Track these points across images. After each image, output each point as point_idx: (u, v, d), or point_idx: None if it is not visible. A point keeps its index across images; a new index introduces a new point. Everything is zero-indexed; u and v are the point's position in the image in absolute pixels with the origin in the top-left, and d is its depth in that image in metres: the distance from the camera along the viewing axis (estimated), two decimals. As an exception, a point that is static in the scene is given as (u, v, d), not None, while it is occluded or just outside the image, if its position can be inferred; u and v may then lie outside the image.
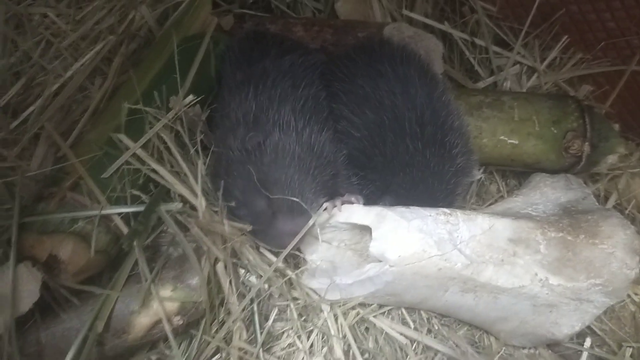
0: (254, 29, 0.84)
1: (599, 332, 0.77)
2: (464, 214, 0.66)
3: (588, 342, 0.75)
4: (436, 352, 0.70)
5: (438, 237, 0.63)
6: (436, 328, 0.72)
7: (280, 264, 0.64)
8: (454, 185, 0.68)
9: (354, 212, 0.64)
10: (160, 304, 0.59)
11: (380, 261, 0.62)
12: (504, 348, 0.73)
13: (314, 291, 0.65)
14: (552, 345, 0.75)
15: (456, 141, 0.67)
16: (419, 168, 0.65)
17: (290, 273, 0.64)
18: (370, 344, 0.67)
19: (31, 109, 0.66)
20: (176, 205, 0.60)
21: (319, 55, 0.76)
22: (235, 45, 0.75)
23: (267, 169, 0.62)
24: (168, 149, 0.64)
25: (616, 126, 0.82)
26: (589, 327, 0.76)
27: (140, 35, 0.74)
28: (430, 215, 0.64)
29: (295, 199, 0.59)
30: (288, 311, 0.67)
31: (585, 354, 0.74)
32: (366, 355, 0.66)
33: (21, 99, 0.67)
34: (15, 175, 0.61)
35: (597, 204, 0.77)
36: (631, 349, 0.76)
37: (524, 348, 0.75)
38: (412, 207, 0.64)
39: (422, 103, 0.66)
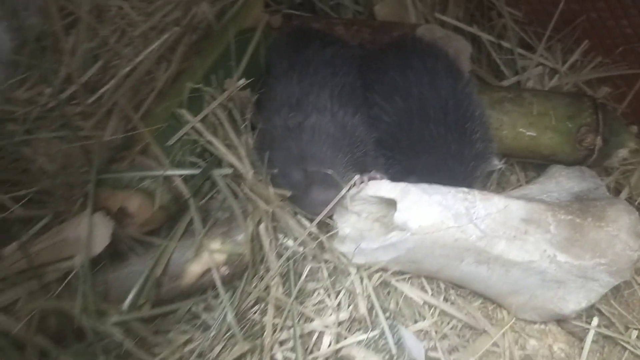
0: (300, 24, 0.93)
1: (607, 314, 0.83)
2: (481, 194, 0.73)
3: (595, 321, 0.81)
4: (452, 317, 0.78)
5: (456, 211, 0.70)
6: (452, 298, 0.79)
7: (314, 229, 0.73)
8: (473, 168, 0.75)
9: (382, 186, 0.72)
10: (210, 255, 0.69)
11: (403, 230, 0.70)
12: (514, 319, 0.80)
13: (343, 255, 0.74)
14: (561, 321, 0.82)
15: (476, 128, 0.75)
16: (441, 151, 0.73)
17: (322, 237, 0.73)
18: (391, 305, 0.75)
19: (106, 87, 0.77)
20: (227, 171, 0.69)
21: (357, 49, 0.85)
22: (284, 37, 0.85)
23: (305, 145, 0.71)
24: (222, 124, 0.74)
25: (634, 128, 0.89)
26: (597, 309, 0.83)
27: (201, 28, 0.85)
28: (449, 192, 0.72)
29: (328, 171, 0.68)
30: (319, 272, 0.76)
31: (592, 332, 0.80)
32: (387, 314, 0.73)
33: (98, 79, 0.78)
34: (90, 146, 0.72)
35: (607, 193, 0.83)
36: (637, 331, 0.82)
37: (534, 323, 0.82)
38: (433, 185, 0.72)
39: (447, 93, 0.74)
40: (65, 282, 0.65)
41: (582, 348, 0.80)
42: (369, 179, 0.73)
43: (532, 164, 0.94)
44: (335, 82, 0.76)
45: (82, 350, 0.68)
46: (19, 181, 0.68)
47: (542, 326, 0.82)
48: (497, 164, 0.84)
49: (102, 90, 0.77)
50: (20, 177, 0.68)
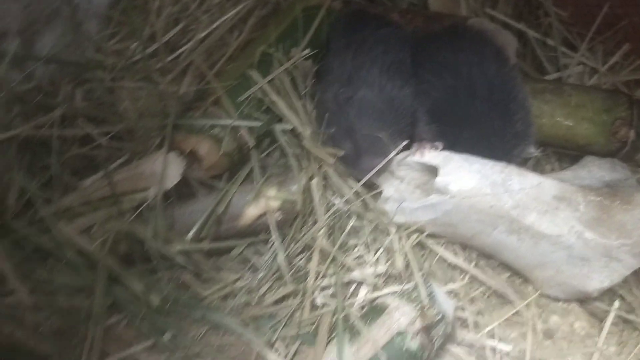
0: (359, 8, 1.01)
1: (628, 300, 0.87)
2: (517, 169, 0.79)
3: (617, 304, 0.85)
4: (481, 284, 0.83)
5: (493, 181, 0.77)
6: (482, 266, 0.85)
7: (360, 189, 0.81)
8: (512, 146, 0.81)
9: (427, 153, 0.79)
10: (266, 201, 0.76)
11: (443, 193, 0.77)
12: (538, 293, 0.85)
13: (385, 214, 0.81)
14: (583, 302, 0.86)
15: (518, 109, 0.81)
16: (483, 127, 0.80)
17: (366, 196, 0.80)
18: (425, 265, 0.81)
19: (184, 47, 0.86)
20: (287, 126, 0.77)
21: (410, 32, 0.92)
22: (343, 17, 0.93)
23: (353, 117, 0.78)
24: (285, 88, 0.82)
25: None
26: (619, 295, 0.87)
27: (271, 3, 0.94)
28: (488, 163, 0.78)
29: (379, 135, 0.75)
30: (361, 229, 0.82)
31: (612, 314, 0.85)
32: (421, 272, 0.80)
33: (178, 39, 0.87)
34: (165, 99, 0.81)
35: (637, 185, 0.88)
36: (658, 318, 0.86)
37: (558, 301, 0.87)
38: (474, 156, 0.79)
39: (493, 74, 0.81)
40: (139, 210, 0.74)
41: (602, 329, 0.85)
42: (418, 147, 0.79)
43: (567, 155, 0.99)
44: (386, 58, 0.83)
45: (147, 272, 0.77)
46: (105, 120, 0.77)
47: (565, 305, 0.87)
48: (534, 151, 0.90)
49: (180, 50, 0.86)
50: (106, 117, 0.77)
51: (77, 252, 0.75)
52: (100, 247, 0.74)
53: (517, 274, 0.87)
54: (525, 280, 0.86)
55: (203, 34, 0.87)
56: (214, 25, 0.88)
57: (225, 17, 0.89)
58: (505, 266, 0.86)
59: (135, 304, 0.77)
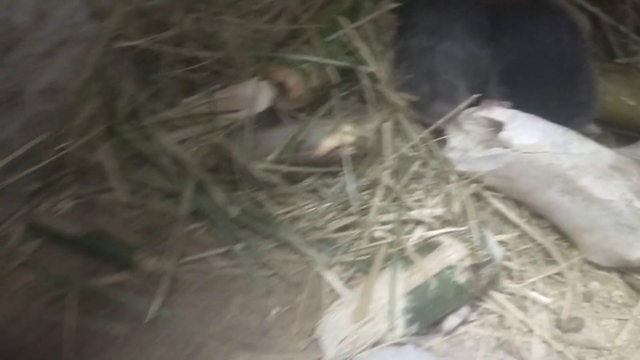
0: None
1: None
2: (577, 135, 0.85)
3: (656, 277, 0.90)
4: (530, 240, 0.89)
5: (553, 141, 0.82)
6: (533, 224, 0.91)
7: (427, 136, 0.88)
8: (574, 114, 0.87)
9: (495, 110, 0.85)
10: (342, 135, 0.84)
11: (506, 147, 0.83)
12: (582, 257, 0.90)
13: (448, 161, 0.88)
14: (624, 273, 0.91)
15: (584, 81, 0.87)
16: (552, 91, 0.86)
17: (432, 141, 0.87)
18: (480, 214, 0.88)
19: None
20: (368, 69, 0.85)
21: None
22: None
23: (435, 64, 0.85)
24: (369, 36, 0.90)
25: None
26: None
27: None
28: (551, 125, 0.84)
29: (456, 82, 0.82)
30: (425, 175, 0.90)
31: (652, 287, 0.89)
32: (476, 220, 0.86)
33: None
34: (261, 35, 0.90)
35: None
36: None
37: (600, 269, 0.92)
38: (539, 117, 0.85)
39: (566, 44, 0.87)
40: (230, 129, 0.83)
41: (639, 299, 0.89)
42: (488, 103, 0.86)
43: (626, 137, 1.03)
44: (468, 19, 0.90)
45: (229, 187, 0.86)
46: (208, 47, 0.86)
47: (607, 273, 0.91)
48: (594, 128, 0.95)
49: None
50: (210, 44, 0.86)
51: (172, 161, 0.85)
52: (192, 158, 0.83)
53: (565, 238, 0.92)
54: (572, 245, 0.91)
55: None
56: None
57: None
58: (554, 229, 0.92)
59: (215, 213, 0.86)
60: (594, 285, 0.91)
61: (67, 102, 0.79)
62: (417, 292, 0.76)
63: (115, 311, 0.82)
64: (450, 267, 0.77)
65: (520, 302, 0.86)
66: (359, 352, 0.74)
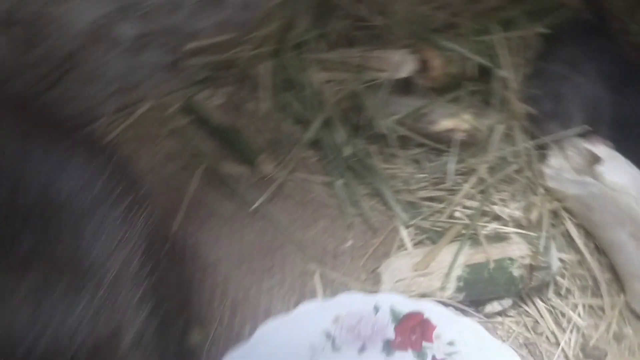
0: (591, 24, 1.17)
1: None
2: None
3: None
4: (587, 269, 0.95)
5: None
6: (595, 257, 1.00)
7: (531, 146, 0.99)
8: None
9: (599, 146, 0.95)
10: (459, 120, 0.97)
11: (596, 178, 0.93)
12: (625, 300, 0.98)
13: (541, 176, 0.98)
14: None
15: None
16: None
17: (533, 155, 0.98)
18: (551, 230, 0.98)
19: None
20: (504, 73, 0.97)
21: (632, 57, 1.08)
22: (577, 25, 1.09)
23: (564, 92, 0.96)
24: (512, 48, 1.01)
25: None
26: None
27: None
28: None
29: (575, 110, 0.93)
30: (516, 180, 1.01)
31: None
32: (546, 233, 0.96)
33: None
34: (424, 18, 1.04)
35: None
36: None
37: (638, 318, 1.00)
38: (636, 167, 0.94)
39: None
40: (371, 84, 0.98)
41: (668, 356, 0.97)
42: (595, 138, 0.96)
43: None
44: (605, 64, 1.00)
45: (351, 131, 1.01)
46: (380, 11, 1.01)
47: (640, 325, 0.99)
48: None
49: None
50: (378, 9, 1.01)
51: (313, 94, 1.01)
52: (330, 97, 0.99)
53: (618, 280, 1.00)
54: (622, 288, 0.99)
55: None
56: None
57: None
58: (611, 268, 1.00)
59: (331, 148, 1.02)
60: (628, 330, 0.98)
61: (256, 16, 0.97)
62: (475, 267, 0.88)
63: (228, 194, 1.00)
64: (510, 259, 0.89)
65: (558, 316, 0.95)
66: (410, 297, 0.87)
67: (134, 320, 0.58)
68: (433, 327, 0.81)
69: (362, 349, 0.81)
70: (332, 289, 0.92)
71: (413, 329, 0.81)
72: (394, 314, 0.81)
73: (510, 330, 0.94)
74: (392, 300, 0.81)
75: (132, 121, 1.03)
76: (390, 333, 0.81)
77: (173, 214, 0.95)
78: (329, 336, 0.80)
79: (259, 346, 0.76)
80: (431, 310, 0.81)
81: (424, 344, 0.81)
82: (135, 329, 0.57)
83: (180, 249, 0.92)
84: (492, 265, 0.88)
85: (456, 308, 0.89)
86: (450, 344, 0.81)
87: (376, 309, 0.80)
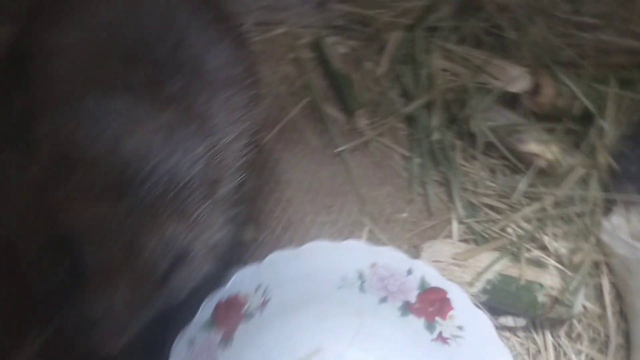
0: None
1: None
2: None
3: None
4: (605, 326, 1.02)
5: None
6: (616, 319, 1.05)
7: (601, 197, 1.04)
8: None
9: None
10: (546, 148, 1.03)
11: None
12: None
13: (599, 227, 1.04)
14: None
15: None
16: None
17: (599, 206, 1.04)
18: (589, 278, 1.03)
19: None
20: (605, 124, 1.03)
21: None
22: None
23: None
24: (623, 105, 1.06)
25: None
26: None
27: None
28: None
29: None
30: (573, 223, 1.07)
31: None
32: (581, 277, 1.02)
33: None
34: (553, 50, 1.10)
35: None
36: None
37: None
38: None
39: None
40: (482, 86, 1.05)
41: None
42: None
43: None
44: None
45: (449, 119, 1.09)
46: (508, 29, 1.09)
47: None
48: None
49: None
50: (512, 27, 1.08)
51: (427, 76, 1.09)
52: (441, 83, 1.07)
53: (628, 349, 1.05)
54: (630, 354, 1.04)
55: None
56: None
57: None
58: (626, 336, 1.05)
59: (422, 127, 1.10)
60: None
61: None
62: (506, 278, 0.95)
63: (320, 131, 1.11)
64: (540, 285, 0.95)
65: (560, 356, 1.00)
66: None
67: (226, 181, 0.69)
68: (450, 308, 0.89)
69: (383, 300, 0.90)
70: (374, 246, 1.01)
71: (433, 302, 0.89)
72: (422, 282, 0.89)
73: (513, 349, 1.01)
74: (426, 270, 0.89)
75: (266, 37, 1.15)
76: (413, 297, 0.89)
77: (270, 128, 1.07)
78: (361, 276, 0.89)
79: (303, 256, 0.86)
80: (456, 293, 0.89)
81: (437, 318, 0.89)
82: (226, 188, 0.68)
83: (265, 158, 1.04)
84: (522, 282, 0.95)
85: (476, 305, 0.97)
86: (460, 328, 0.89)
87: (409, 272, 0.89)
